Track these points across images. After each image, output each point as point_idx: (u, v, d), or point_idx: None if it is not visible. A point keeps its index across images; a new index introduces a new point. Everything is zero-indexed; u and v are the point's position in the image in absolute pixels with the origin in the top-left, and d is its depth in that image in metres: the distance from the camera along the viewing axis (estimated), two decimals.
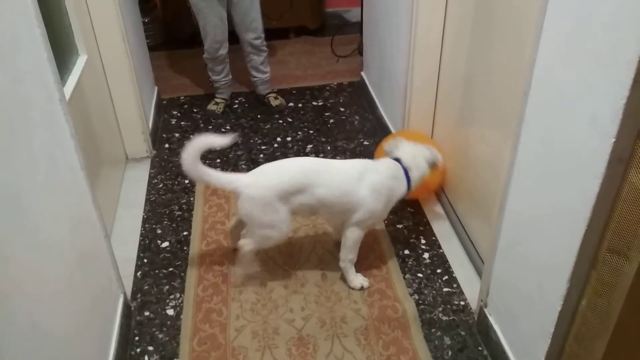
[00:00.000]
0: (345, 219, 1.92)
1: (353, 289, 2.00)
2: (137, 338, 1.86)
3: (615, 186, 1.07)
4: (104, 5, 2.42)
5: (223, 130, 3.13)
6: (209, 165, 2.76)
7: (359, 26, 3.88)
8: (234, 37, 3.22)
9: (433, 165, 1.98)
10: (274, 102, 3.38)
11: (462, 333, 1.83)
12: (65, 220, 1.45)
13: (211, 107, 3.37)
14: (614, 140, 1.02)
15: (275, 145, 2.97)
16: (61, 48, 2.06)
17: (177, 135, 3.10)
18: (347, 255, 1.97)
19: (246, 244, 1.95)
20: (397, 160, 1.94)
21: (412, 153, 1.95)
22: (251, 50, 3.23)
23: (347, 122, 3.18)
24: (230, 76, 3.37)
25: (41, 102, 1.38)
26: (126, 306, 1.89)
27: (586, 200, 1.12)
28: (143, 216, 2.44)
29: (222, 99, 3.40)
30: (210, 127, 3.17)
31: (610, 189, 1.08)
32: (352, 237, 1.93)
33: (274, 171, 1.89)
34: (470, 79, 2.05)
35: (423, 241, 2.23)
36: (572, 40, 1.14)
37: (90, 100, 2.30)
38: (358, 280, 2.00)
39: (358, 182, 1.86)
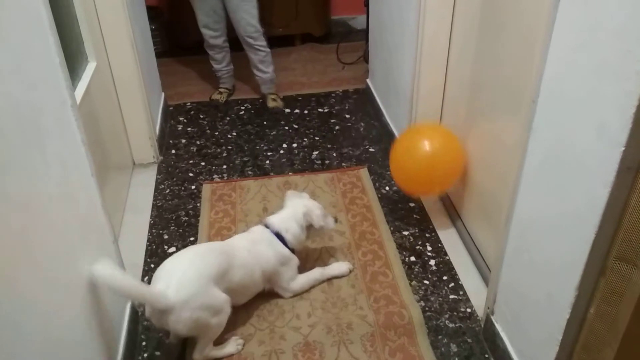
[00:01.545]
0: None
1: (346, 274, 2.08)
2: (144, 343, 1.86)
3: (624, 194, 1.08)
4: (114, 12, 2.44)
5: (229, 136, 3.15)
6: (215, 171, 2.80)
7: (364, 33, 3.89)
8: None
9: (309, 226, 1.96)
10: (270, 104, 3.48)
11: (469, 340, 1.83)
12: (74, 225, 1.46)
13: (215, 96, 3.57)
14: (623, 149, 1.03)
15: (281, 151, 2.98)
16: (71, 55, 2.08)
17: (183, 141, 3.12)
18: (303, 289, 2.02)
19: (205, 354, 1.73)
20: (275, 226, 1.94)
21: (284, 218, 1.96)
22: (246, 47, 3.34)
23: (353, 129, 3.19)
24: (232, 66, 3.56)
25: (53, 108, 1.40)
26: (133, 311, 1.90)
27: (595, 208, 1.13)
28: (150, 221, 2.45)
29: (225, 88, 3.60)
30: (217, 133, 3.19)
31: (620, 197, 1.08)
32: (295, 290, 1.99)
33: (192, 261, 1.68)
34: (477, 87, 2.06)
35: (429, 248, 2.24)
36: (581, 49, 1.15)
37: (99, 106, 2.32)
38: (342, 267, 2.09)
39: (265, 247, 1.89)
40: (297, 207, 1.98)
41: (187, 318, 1.58)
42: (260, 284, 1.92)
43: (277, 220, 1.96)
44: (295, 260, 1.98)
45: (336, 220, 2.12)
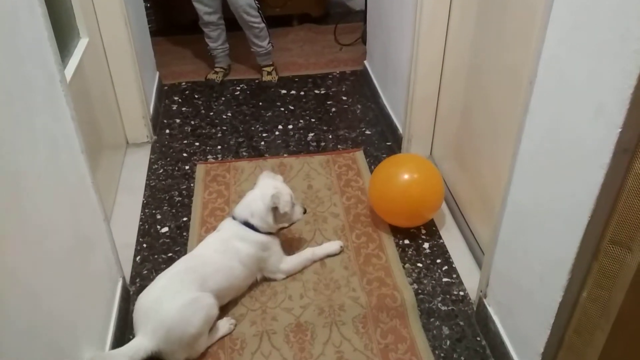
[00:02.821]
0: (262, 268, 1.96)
1: (337, 252, 2.09)
2: None
3: (619, 177, 1.06)
4: None
5: (224, 116, 3.12)
6: (209, 151, 2.78)
7: (362, 14, 3.85)
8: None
9: (274, 209, 1.89)
10: (265, 77, 3.50)
11: (461, 323, 1.83)
12: (64, 202, 1.44)
13: (211, 75, 3.53)
14: (619, 130, 1.01)
15: (277, 132, 2.95)
16: (62, 30, 2.04)
17: (177, 121, 3.09)
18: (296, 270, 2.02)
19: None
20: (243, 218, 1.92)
21: (248, 202, 1.93)
22: (241, 22, 3.31)
23: (349, 111, 3.16)
24: (227, 45, 3.51)
25: (42, 83, 1.37)
26: (125, 290, 1.89)
27: (590, 191, 1.11)
28: (143, 201, 2.43)
29: (220, 68, 3.56)
30: (212, 113, 3.16)
31: (615, 179, 1.07)
32: (287, 270, 1.98)
33: (160, 298, 1.68)
34: (475, 68, 2.04)
35: (423, 231, 2.23)
36: (579, 29, 1.12)
37: (91, 84, 2.28)
38: (334, 245, 2.10)
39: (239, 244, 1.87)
40: (267, 188, 1.93)
41: (177, 349, 1.63)
42: (249, 276, 1.91)
43: (241, 208, 1.93)
44: (275, 242, 1.95)
45: (305, 212, 2.03)
